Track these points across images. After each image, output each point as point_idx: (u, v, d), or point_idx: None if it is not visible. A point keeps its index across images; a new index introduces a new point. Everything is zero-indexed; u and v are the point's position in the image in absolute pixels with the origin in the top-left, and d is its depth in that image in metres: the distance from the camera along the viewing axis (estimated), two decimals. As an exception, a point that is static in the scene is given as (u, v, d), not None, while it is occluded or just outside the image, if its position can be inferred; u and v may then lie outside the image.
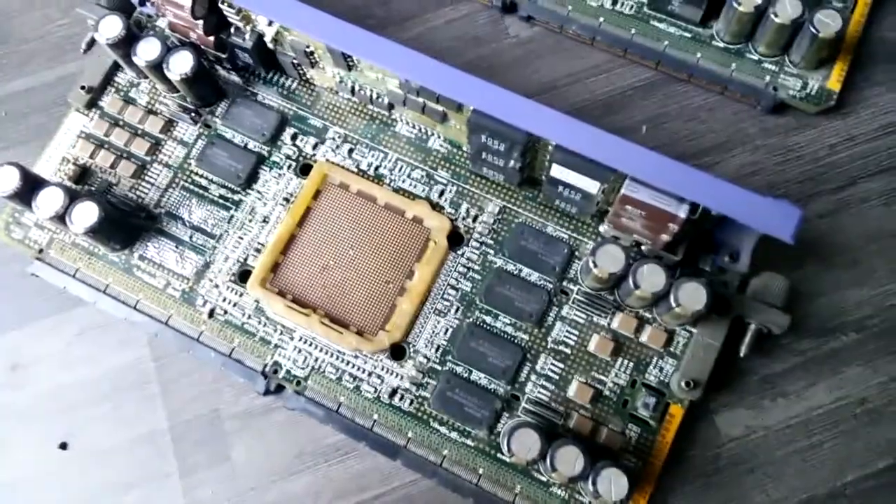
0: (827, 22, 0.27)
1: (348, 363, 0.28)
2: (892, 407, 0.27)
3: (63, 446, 0.28)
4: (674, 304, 0.25)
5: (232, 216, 0.29)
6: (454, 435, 0.27)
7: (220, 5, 0.27)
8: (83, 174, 0.31)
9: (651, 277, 0.25)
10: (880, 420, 0.27)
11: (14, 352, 0.29)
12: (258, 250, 0.29)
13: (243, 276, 0.29)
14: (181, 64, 0.28)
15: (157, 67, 0.29)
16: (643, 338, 0.27)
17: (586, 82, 0.31)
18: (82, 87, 0.31)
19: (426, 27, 0.32)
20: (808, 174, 0.30)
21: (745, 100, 0.30)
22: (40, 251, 0.30)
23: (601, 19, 0.31)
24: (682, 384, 0.26)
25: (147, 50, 0.29)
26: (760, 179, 0.30)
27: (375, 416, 0.27)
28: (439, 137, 0.30)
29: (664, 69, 0.31)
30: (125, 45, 0.29)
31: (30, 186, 0.28)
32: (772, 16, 0.28)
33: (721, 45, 0.30)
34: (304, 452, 0.28)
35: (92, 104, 0.31)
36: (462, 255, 0.28)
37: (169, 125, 0.31)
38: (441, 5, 0.33)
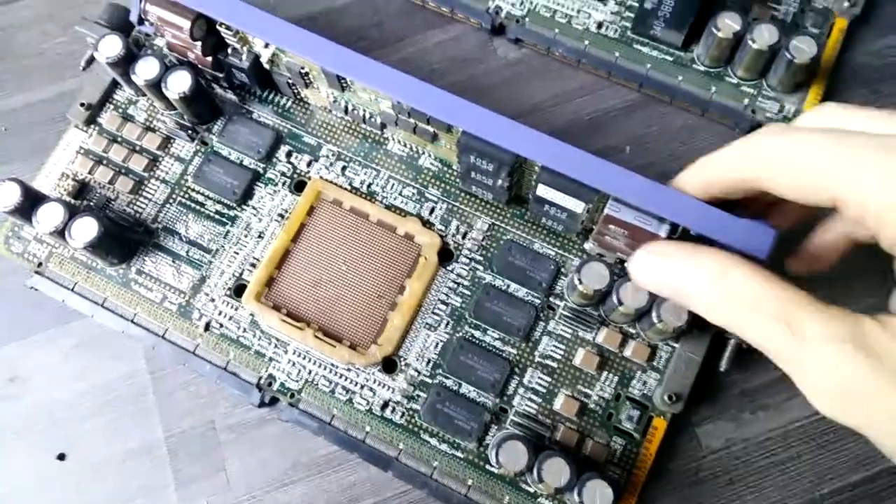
0: (802, 48, 0.28)
1: (341, 376, 0.28)
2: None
3: (61, 457, 0.29)
4: (656, 320, 0.26)
5: (228, 231, 0.30)
6: (444, 447, 0.27)
7: (217, 27, 0.28)
8: (82, 189, 0.31)
9: (634, 294, 0.26)
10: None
11: (12, 364, 0.30)
12: (253, 265, 0.30)
13: (239, 290, 0.29)
14: (179, 83, 0.29)
15: (156, 86, 0.29)
16: (627, 352, 0.28)
17: (572, 103, 0.32)
18: (82, 104, 0.32)
19: (417, 48, 0.33)
20: (785, 193, 0.31)
21: (725, 121, 0.31)
22: (39, 265, 0.30)
23: (587, 42, 0.32)
24: (665, 398, 0.27)
25: (146, 69, 0.29)
26: (740, 198, 0.31)
27: (368, 429, 0.28)
28: (430, 156, 0.30)
29: (647, 91, 0.32)
30: (124, 63, 0.29)
31: (30, 202, 0.28)
32: (750, 42, 0.29)
33: (701, 68, 0.31)
34: (298, 463, 0.28)
35: (91, 121, 0.32)
36: (452, 270, 0.29)
37: (166, 142, 0.32)
38: (431, 27, 0.34)
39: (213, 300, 0.29)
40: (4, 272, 0.31)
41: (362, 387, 0.28)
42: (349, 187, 0.30)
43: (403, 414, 0.28)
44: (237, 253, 0.30)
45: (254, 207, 0.30)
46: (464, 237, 0.29)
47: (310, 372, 0.28)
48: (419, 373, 0.28)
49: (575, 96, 0.32)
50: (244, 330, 0.29)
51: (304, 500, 0.28)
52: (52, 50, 0.35)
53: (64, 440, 0.29)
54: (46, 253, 0.30)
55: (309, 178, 0.30)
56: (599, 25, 0.32)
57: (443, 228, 0.30)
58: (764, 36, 0.29)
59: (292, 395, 0.28)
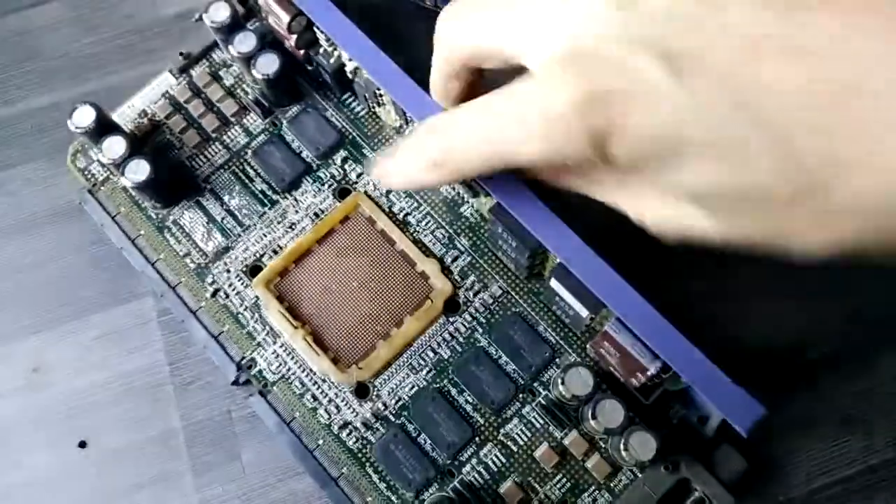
0: None
1: (315, 384, 0.29)
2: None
3: (82, 444, 0.30)
4: (622, 447, 0.25)
5: (264, 213, 0.31)
6: (382, 486, 0.28)
7: (314, 28, 0.29)
8: (153, 130, 0.33)
9: (610, 414, 0.26)
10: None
11: (35, 355, 0.31)
12: (275, 251, 0.31)
13: (254, 270, 0.30)
14: (267, 65, 0.30)
15: (247, 61, 0.31)
16: (589, 463, 0.27)
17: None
18: (181, 53, 0.34)
19: (425, 51, 0.33)
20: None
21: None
22: (94, 185, 0.32)
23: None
24: (611, 521, 0.27)
25: (243, 42, 0.31)
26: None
27: (320, 441, 0.28)
28: (472, 207, 0.31)
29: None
30: (226, 31, 0.31)
31: (102, 128, 0.30)
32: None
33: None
34: (311, 454, 0.29)
35: (185, 70, 0.34)
36: (452, 322, 0.29)
37: (242, 111, 0.33)
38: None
39: (228, 271, 0.31)
40: (26, 266, 0.33)
41: (330, 401, 0.29)
42: (387, 210, 0.31)
43: (357, 440, 0.28)
44: (265, 235, 0.31)
45: (295, 199, 0.31)
46: (475, 295, 0.30)
47: (289, 369, 0.29)
48: (386, 407, 0.29)
49: None
50: (245, 309, 0.30)
51: (315, 486, 0.29)
52: (77, 52, 0.36)
53: (85, 428, 0.30)
54: (103, 177, 0.32)
55: (354, 189, 0.31)
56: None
57: (458, 280, 0.30)
58: None
59: (265, 385, 0.29)
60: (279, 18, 0.29)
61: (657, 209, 0.19)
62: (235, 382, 0.29)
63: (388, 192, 0.31)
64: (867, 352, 0.30)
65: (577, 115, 0.17)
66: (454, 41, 0.21)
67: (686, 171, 0.17)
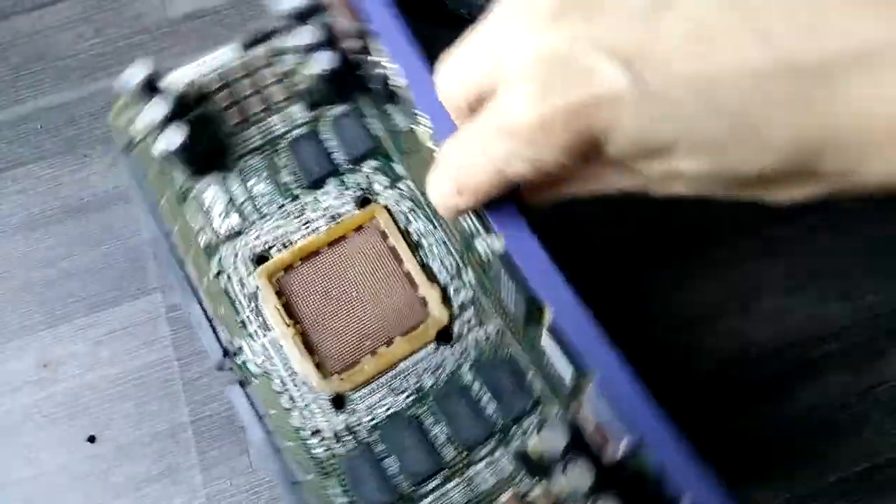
0: None
1: (295, 385, 0.29)
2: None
3: (91, 439, 0.31)
4: (587, 512, 0.25)
5: (283, 205, 0.32)
6: (342, 500, 0.28)
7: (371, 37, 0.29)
8: (199, 100, 0.34)
9: (579, 477, 0.25)
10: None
11: (45, 350, 0.32)
12: (285, 246, 0.31)
13: (260, 260, 0.31)
14: (324, 61, 0.31)
15: (304, 53, 0.31)
16: (550, 523, 0.27)
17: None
18: (251, 34, 0.34)
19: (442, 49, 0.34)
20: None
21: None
22: (129, 142, 0.33)
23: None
24: (563, 588, 0.26)
25: (304, 34, 0.31)
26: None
27: (289, 443, 0.28)
28: (485, 242, 0.30)
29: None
30: (296, 19, 0.32)
31: (148, 90, 0.31)
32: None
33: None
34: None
35: (247, 47, 0.34)
36: (441, 352, 0.29)
37: (288, 100, 0.33)
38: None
39: (236, 255, 0.31)
40: (36, 263, 0.33)
41: (307, 405, 0.29)
42: (403, 229, 0.31)
43: (326, 450, 0.28)
44: (279, 227, 0.31)
45: (316, 198, 0.32)
46: (469, 330, 0.29)
47: (273, 365, 0.29)
48: (360, 423, 0.28)
49: None
50: (244, 296, 0.30)
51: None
52: (86, 51, 0.37)
53: (94, 423, 0.31)
54: (141, 136, 0.33)
55: (375, 200, 0.31)
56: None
57: (457, 311, 0.30)
58: None
59: (247, 378, 0.29)
60: (342, 20, 0.30)
61: (632, 185, 0.21)
62: (220, 368, 0.30)
63: (409, 210, 0.31)
64: (872, 349, 0.29)
65: (557, 125, 0.18)
66: (446, 92, 0.23)
67: (662, 161, 0.18)
